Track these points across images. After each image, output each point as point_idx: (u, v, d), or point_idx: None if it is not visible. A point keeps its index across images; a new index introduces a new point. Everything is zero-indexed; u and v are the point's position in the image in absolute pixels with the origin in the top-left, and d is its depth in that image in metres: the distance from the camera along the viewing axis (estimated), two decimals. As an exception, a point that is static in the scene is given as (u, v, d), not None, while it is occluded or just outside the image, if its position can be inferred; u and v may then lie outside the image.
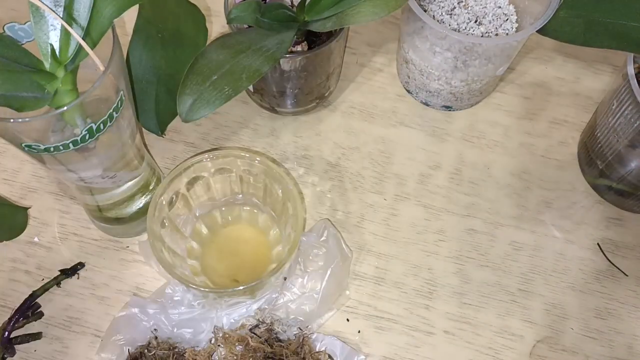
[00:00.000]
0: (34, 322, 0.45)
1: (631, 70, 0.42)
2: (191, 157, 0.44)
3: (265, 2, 0.46)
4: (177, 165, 0.44)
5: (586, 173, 0.51)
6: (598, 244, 0.49)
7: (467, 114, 0.54)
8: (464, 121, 0.54)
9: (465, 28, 0.51)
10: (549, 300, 0.47)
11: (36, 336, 0.44)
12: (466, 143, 0.53)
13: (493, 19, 0.51)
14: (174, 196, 0.44)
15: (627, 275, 0.48)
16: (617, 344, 0.46)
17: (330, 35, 0.46)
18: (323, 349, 0.43)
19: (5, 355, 0.43)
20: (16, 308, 0.44)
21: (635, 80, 0.42)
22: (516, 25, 0.52)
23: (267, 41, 0.42)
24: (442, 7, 0.52)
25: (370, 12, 0.40)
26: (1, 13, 0.35)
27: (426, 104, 0.54)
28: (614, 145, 0.47)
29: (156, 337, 0.43)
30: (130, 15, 0.45)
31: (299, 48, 0.47)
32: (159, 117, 0.50)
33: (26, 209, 0.48)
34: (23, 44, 0.35)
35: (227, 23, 0.44)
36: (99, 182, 0.40)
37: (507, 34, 0.51)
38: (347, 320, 0.46)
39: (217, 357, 0.42)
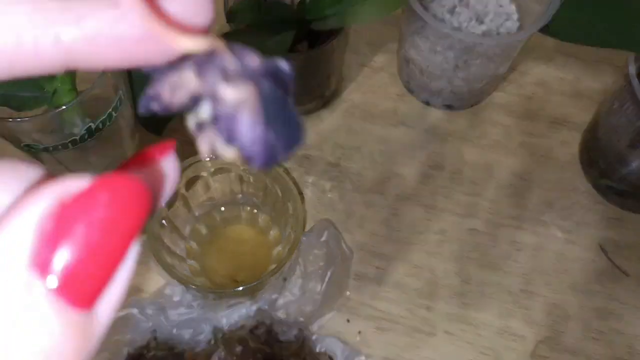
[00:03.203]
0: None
1: (632, 70, 0.42)
2: (190, 157, 0.44)
3: (265, 1, 0.46)
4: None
5: (587, 173, 0.51)
6: (600, 245, 0.49)
7: (468, 113, 0.54)
8: (465, 121, 0.53)
9: (467, 27, 0.51)
10: (550, 301, 0.47)
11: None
12: (467, 143, 0.52)
13: (494, 18, 0.51)
14: (173, 196, 0.43)
15: (628, 276, 0.48)
16: (619, 345, 0.45)
17: (331, 34, 0.46)
18: (323, 350, 0.43)
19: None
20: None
21: (637, 80, 0.42)
22: (518, 24, 0.52)
23: (267, 41, 0.41)
24: (443, 6, 0.52)
25: (371, 11, 0.40)
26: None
27: (427, 104, 0.54)
28: (615, 145, 0.46)
29: (155, 338, 0.43)
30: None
31: (299, 48, 0.47)
32: (158, 116, 0.49)
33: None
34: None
35: (227, 22, 0.44)
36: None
37: (508, 33, 0.51)
38: (348, 321, 0.45)
39: (216, 358, 0.42)
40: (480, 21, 0.51)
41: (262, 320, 0.43)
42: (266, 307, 0.44)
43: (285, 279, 0.44)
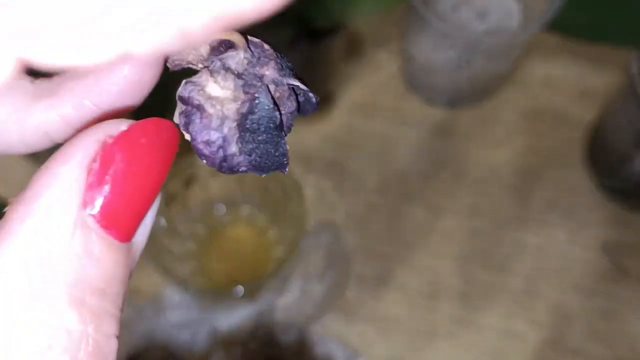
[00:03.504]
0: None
1: (636, 69, 0.42)
2: (189, 156, 0.44)
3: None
4: (175, 165, 0.43)
5: (591, 173, 0.51)
6: (603, 247, 0.48)
7: (471, 112, 0.53)
8: (467, 120, 0.53)
9: (469, 25, 0.50)
10: (553, 302, 0.46)
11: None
12: (470, 142, 0.52)
13: (497, 15, 0.51)
14: (171, 196, 0.43)
15: (632, 276, 0.47)
16: (622, 346, 0.45)
17: (332, 32, 0.46)
18: (324, 351, 0.43)
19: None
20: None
21: (642, 79, 0.41)
22: (521, 21, 0.51)
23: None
24: (446, 3, 0.51)
25: (372, 8, 0.40)
26: None
27: (429, 102, 0.53)
28: (619, 145, 0.46)
29: (153, 340, 0.42)
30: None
31: (299, 46, 0.47)
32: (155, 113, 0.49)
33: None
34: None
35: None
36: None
37: (511, 30, 0.50)
38: (348, 322, 0.45)
39: (216, 360, 0.41)
40: (482, 19, 0.50)
41: (262, 321, 0.43)
42: (266, 308, 0.43)
43: (285, 280, 0.44)
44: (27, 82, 0.16)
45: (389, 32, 0.56)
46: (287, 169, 0.15)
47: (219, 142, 0.14)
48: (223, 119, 0.14)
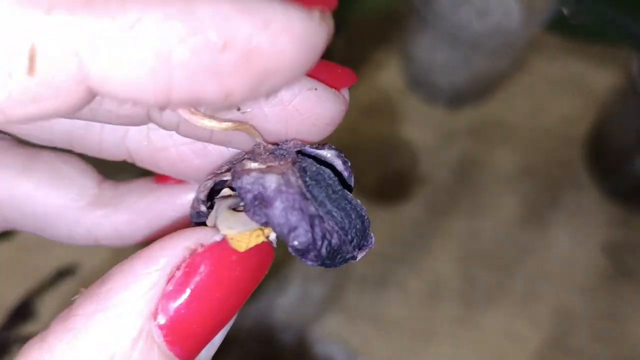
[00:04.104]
0: (31, 324, 0.44)
1: (636, 69, 0.42)
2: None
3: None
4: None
5: (592, 172, 0.51)
6: (604, 248, 0.48)
7: (472, 111, 0.53)
8: (468, 118, 0.53)
9: (470, 23, 0.50)
10: (554, 303, 0.46)
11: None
12: (470, 141, 0.52)
13: (497, 15, 0.51)
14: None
15: (633, 277, 0.47)
16: (624, 346, 0.45)
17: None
18: (323, 352, 0.43)
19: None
20: (12, 310, 0.44)
21: (643, 78, 0.41)
22: (521, 20, 0.51)
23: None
24: (446, 3, 0.51)
25: (371, 7, 0.40)
26: None
27: (429, 102, 0.53)
28: (621, 144, 0.46)
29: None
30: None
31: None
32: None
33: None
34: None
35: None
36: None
37: (511, 29, 0.50)
38: (348, 323, 0.45)
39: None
40: (483, 17, 0.50)
41: (261, 321, 0.43)
42: (266, 308, 0.43)
43: (285, 280, 0.44)
44: (94, 184, 0.16)
45: (390, 30, 0.56)
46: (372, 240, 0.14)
47: (298, 205, 0.13)
48: (284, 183, 0.13)
